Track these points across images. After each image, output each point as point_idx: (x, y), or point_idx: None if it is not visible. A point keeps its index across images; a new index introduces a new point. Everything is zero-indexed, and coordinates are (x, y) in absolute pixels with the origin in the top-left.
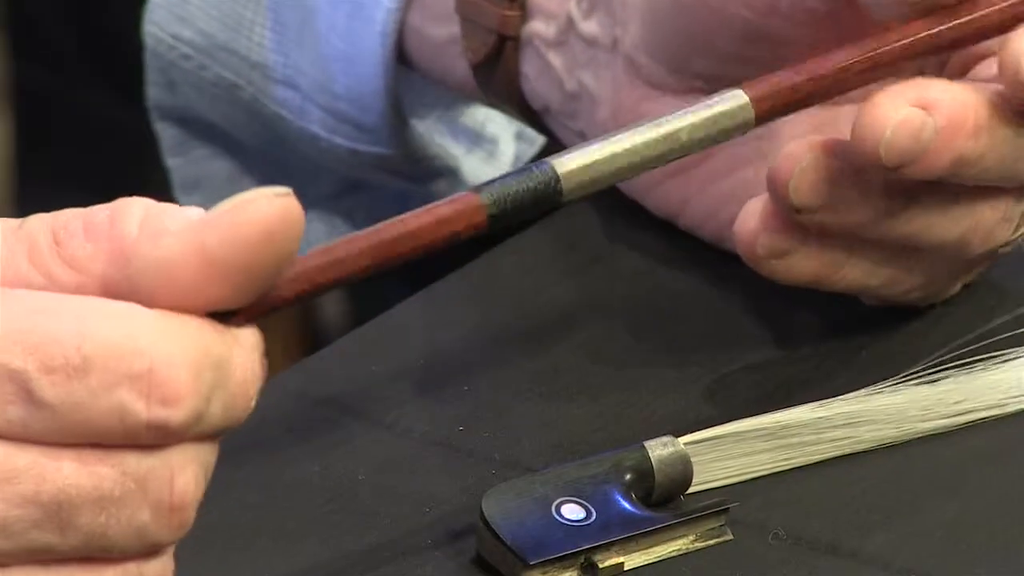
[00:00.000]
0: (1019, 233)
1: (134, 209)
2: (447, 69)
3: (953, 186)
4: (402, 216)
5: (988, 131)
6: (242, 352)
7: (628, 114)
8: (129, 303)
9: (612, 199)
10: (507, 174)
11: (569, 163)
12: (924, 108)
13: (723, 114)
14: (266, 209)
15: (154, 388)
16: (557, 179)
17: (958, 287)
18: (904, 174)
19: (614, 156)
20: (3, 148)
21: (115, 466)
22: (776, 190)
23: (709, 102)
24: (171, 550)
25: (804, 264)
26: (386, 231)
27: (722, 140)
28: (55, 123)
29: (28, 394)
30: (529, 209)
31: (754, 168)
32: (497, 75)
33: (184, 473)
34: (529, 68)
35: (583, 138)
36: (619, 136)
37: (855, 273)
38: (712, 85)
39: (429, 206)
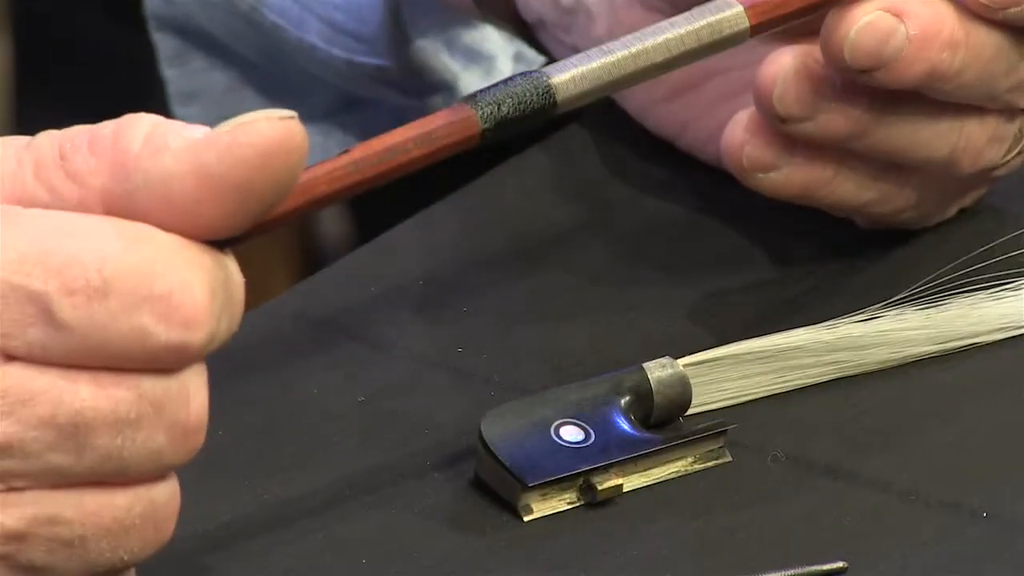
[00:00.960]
0: (1012, 155)
1: (139, 125)
2: None
3: (938, 102)
4: (394, 131)
5: (966, 47)
6: (235, 273)
7: (624, 31)
8: (147, 225)
9: (611, 121)
10: (500, 84)
11: (563, 73)
12: (897, 15)
13: (718, 25)
14: (266, 131)
15: (174, 311)
16: (551, 89)
17: (953, 211)
18: (876, 80)
19: (608, 66)
20: (2, 72)
21: (132, 389)
22: (761, 99)
23: (704, 12)
24: (175, 474)
25: (792, 178)
26: (378, 146)
27: (717, 51)
28: (54, 47)
29: (49, 316)
30: (523, 122)
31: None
32: None
33: (199, 395)
34: None
35: (576, 52)
36: (614, 46)
37: (844, 188)
38: None
39: (422, 121)
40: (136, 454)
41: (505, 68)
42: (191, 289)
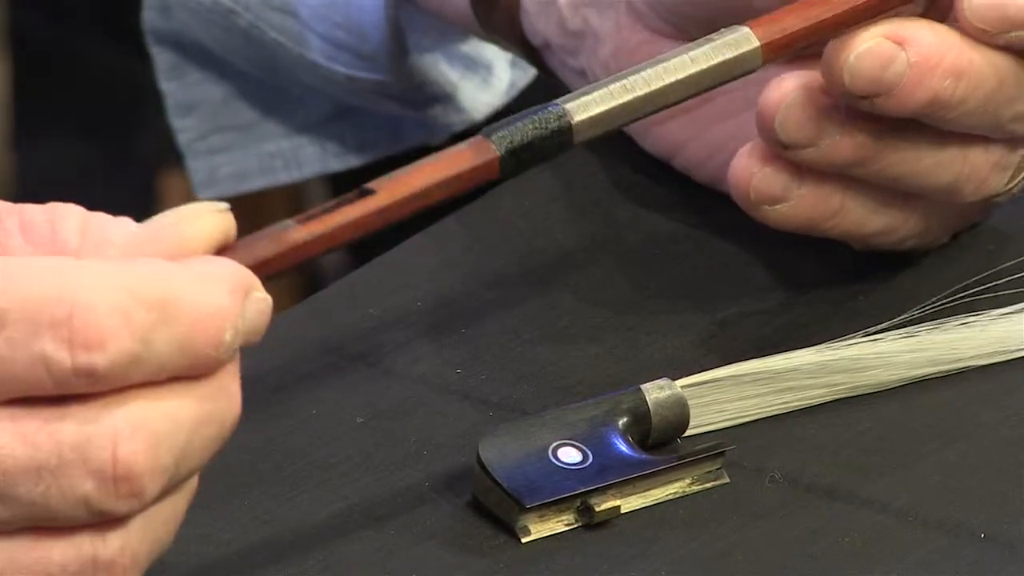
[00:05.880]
0: (1015, 182)
1: (71, 217)
2: (445, 1)
3: (941, 131)
4: (416, 165)
5: (969, 75)
6: (198, 287)
7: (629, 53)
8: (60, 257)
9: (611, 140)
10: (518, 117)
11: (581, 107)
12: (899, 43)
13: (732, 58)
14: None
15: (76, 333)
16: (569, 123)
17: (948, 237)
18: (877, 107)
19: (625, 100)
20: (2, 92)
21: (51, 435)
22: (764, 125)
23: (719, 43)
24: (138, 523)
25: (798, 209)
26: (400, 187)
27: (730, 81)
28: (53, 68)
29: None
30: (541, 155)
31: (751, 114)
32: (497, 9)
33: (132, 440)
34: (530, 3)
35: (582, 75)
36: (630, 79)
37: (850, 219)
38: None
39: (441, 155)
40: (63, 501)
41: (503, 76)
42: (93, 309)
